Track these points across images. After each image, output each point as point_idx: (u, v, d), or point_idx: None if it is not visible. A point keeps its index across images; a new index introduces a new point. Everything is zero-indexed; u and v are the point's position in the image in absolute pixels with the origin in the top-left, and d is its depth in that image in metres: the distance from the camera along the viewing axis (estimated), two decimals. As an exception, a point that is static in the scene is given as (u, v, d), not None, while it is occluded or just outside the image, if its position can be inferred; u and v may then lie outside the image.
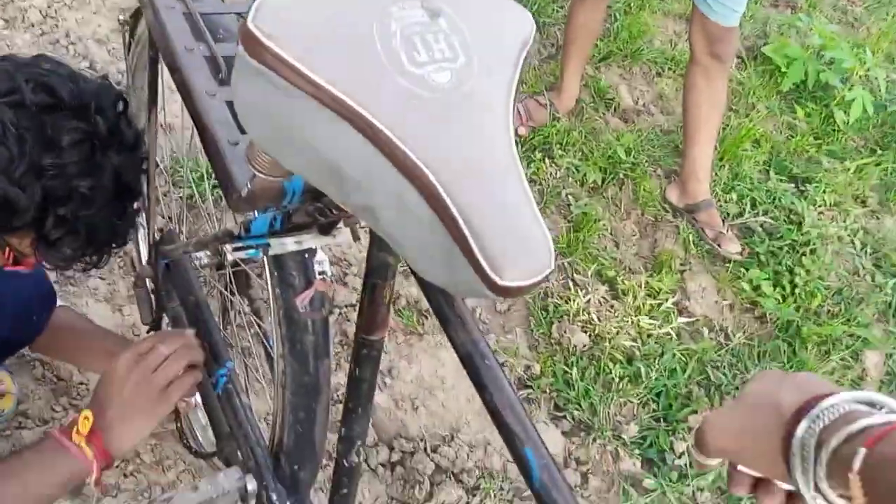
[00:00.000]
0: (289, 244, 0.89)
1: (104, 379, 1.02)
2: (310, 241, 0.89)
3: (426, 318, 1.91)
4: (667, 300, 2.12)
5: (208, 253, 1.22)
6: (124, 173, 0.94)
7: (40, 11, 2.24)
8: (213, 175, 0.81)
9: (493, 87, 0.65)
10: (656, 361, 1.96)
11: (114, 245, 0.99)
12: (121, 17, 1.24)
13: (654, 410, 1.89)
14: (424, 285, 0.71)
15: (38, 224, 0.89)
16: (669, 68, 2.94)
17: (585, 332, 1.98)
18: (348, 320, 1.84)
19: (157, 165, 1.33)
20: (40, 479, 0.92)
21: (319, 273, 0.94)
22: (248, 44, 0.60)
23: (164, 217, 1.60)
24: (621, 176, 2.41)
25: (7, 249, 0.92)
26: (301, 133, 0.63)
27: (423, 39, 0.63)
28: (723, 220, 2.37)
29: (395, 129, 0.60)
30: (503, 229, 0.59)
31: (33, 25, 2.21)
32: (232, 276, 1.26)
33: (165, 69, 1.08)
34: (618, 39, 2.91)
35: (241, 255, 0.93)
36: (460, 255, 0.59)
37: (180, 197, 1.69)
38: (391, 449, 1.65)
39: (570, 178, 2.35)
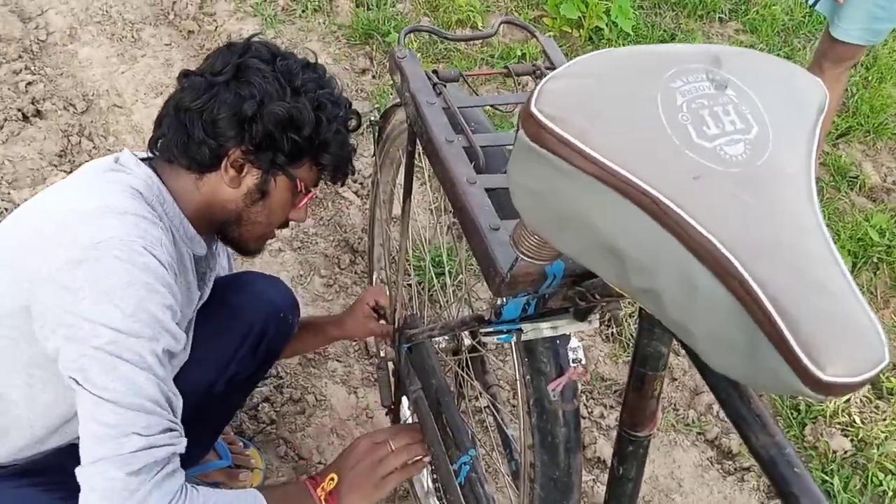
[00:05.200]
0: (543, 329, 0.86)
1: (345, 453, 1.19)
2: (565, 326, 0.86)
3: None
4: (946, 403, 1.81)
5: (447, 338, 1.24)
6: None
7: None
8: (475, 260, 0.81)
9: (792, 157, 0.59)
10: (939, 476, 1.66)
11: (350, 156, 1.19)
12: (372, 118, 1.33)
13: (941, 535, 1.59)
14: (712, 379, 0.65)
15: (312, 147, 1.11)
16: (921, 142, 2.64)
17: (846, 435, 1.73)
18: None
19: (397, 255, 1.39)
20: None
21: (573, 360, 0.90)
22: (529, 127, 0.60)
23: (402, 306, 1.66)
24: (875, 260, 2.15)
25: (298, 182, 1.13)
26: (581, 215, 0.61)
27: (712, 112, 0.59)
28: None
29: (684, 206, 0.56)
30: (821, 312, 0.51)
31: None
32: (468, 361, 1.25)
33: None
34: (858, 114, 2.69)
35: (492, 339, 0.92)
36: (768, 345, 0.53)
37: (418, 283, 1.75)
38: (626, 556, 1.52)
39: (814, 264, 2.14)
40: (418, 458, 1.21)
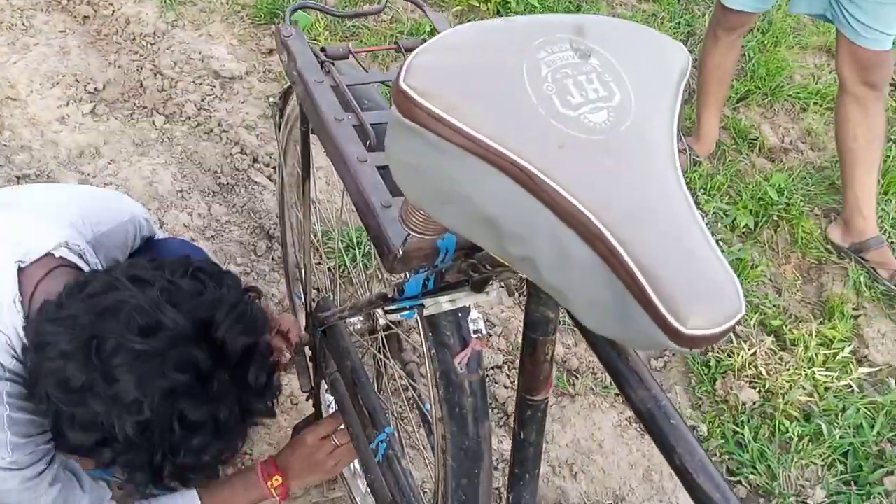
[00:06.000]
0: (443, 303, 0.87)
1: (294, 446, 1.32)
2: (463, 299, 0.88)
3: (576, 377, 1.83)
4: (843, 349, 1.92)
5: (361, 318, 1.24)
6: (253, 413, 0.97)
7: (195, 105, 2.44)
8: (368, 238, 0.81)
9: (653, 123, 0.62)
10: (838, 418, 1.77)
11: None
12: (271, 99, 1.31)
13: (841, 472, 1.69)
14: (592, 339, 0.67)
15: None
16: (815, 102, 2.77)
17: (754, 387, 1.82)
18: (496, 382, 1.80)
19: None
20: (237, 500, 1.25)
21: (474, 332, 0.92)
22: (399, 103, 0.60)
23: (315, 288, 1.65)
24: (775, 218, 2.26)
25: None
26: (455, 187, 0.62)
27: (576, 81, 0.61)
28: (897, 258, 2.15)
29: (551, 174, 0.57)
30: (681, 270, 0.54)
31: (189, 118, 2.41)
32: (384, 340, 1.26)
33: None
34: (755, 78, 2.79)
35: (396, 316, 0.93)
36: (634, 303, 0.55)
37: (330, 268, 1.74)
38: (551, 518, 1.57)
39: (720, 224, 2.22)
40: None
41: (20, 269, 0.99)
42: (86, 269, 1.05)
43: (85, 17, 2.66)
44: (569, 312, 0.68)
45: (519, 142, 0.58)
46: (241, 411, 0.93)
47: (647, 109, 0.61)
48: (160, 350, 0.87)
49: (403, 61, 0.62)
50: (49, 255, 1.02)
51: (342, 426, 1.29)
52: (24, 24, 2.62)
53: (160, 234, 1.43)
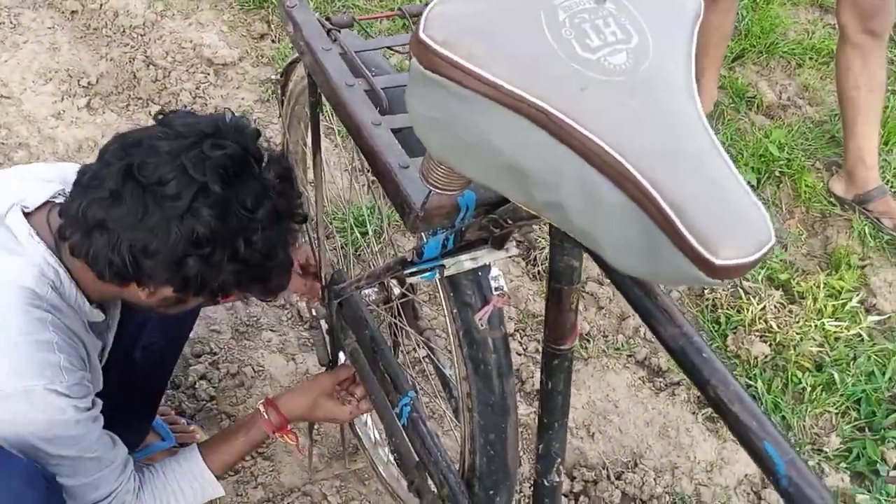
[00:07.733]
0: (464, 262, 0.88)
1: (311, 387, 1.30)
2: (484, 256, 0.88)
3: (588, 341, 1.85)
4: (851, 299, 1.94)
5: (375, 289, 1.25)
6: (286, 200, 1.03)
7: (190, 93, 2.43)
8: (388, 201, 0.82)
9: (671, 63, 0.62)
10: (850, 366, 1.79)
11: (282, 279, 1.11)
12: (273, 76, 1.31)
13: (855, 419, 1.72)
14: (619, 281, 0.68)
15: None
16: (810, 58, 2.77)
17: (765, 341, 1.84)
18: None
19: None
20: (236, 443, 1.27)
21: (496, 289, 0.92)
22: (420, 54, 0.60)
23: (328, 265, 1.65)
24: (777, 174, 2.27)
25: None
26: (480, 136, 0.62)
27: (593, 24, 0.61)
28: (901, 207, 2.16)
29: (575, 117, 0.58)
30: (710, 203, 0.55)
31: (185, 106, 2.40)
32: (400, 308, 1.27)
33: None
34: (749, 36, 2.78)
35: (417, 279, 0.94)
36: (664, 239, 0.56)
37: (339, 246, 1.75)
38: (572, 479, 1.58)
39: (722, 183, 2.23)
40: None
41: (26, 214, 1.03)
42: None
43: (73, 11, 2.64)
44: (595, 256, 0.69)
45: (541, 87, 0.58)
46: (278, 212, 1.00)
47: (664, 49, 0.62)
48: (192, 143, 0.95)
49: (418, 19, 0.62)
50: (49, 202, 1.06)
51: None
52: (11, 23, 2.60)
53: None
